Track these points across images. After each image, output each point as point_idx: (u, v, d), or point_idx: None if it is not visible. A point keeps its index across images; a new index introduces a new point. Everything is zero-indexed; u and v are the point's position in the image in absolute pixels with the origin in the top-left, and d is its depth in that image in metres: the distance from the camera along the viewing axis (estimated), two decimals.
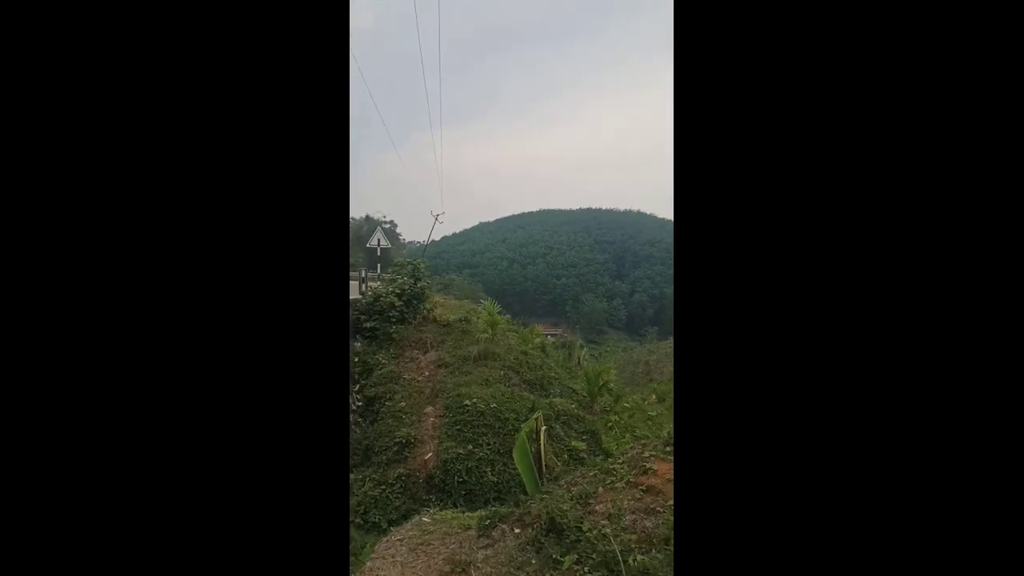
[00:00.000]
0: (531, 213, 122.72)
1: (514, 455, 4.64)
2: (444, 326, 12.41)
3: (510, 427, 7.98)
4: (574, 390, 11.47)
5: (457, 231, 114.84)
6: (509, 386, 9.61)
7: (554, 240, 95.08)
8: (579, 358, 17.11)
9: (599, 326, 64.63)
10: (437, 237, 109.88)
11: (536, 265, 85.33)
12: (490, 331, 12.17)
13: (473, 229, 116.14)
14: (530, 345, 13.45)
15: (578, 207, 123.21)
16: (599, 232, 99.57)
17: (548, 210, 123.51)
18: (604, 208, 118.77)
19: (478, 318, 13.24)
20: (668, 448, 3.79)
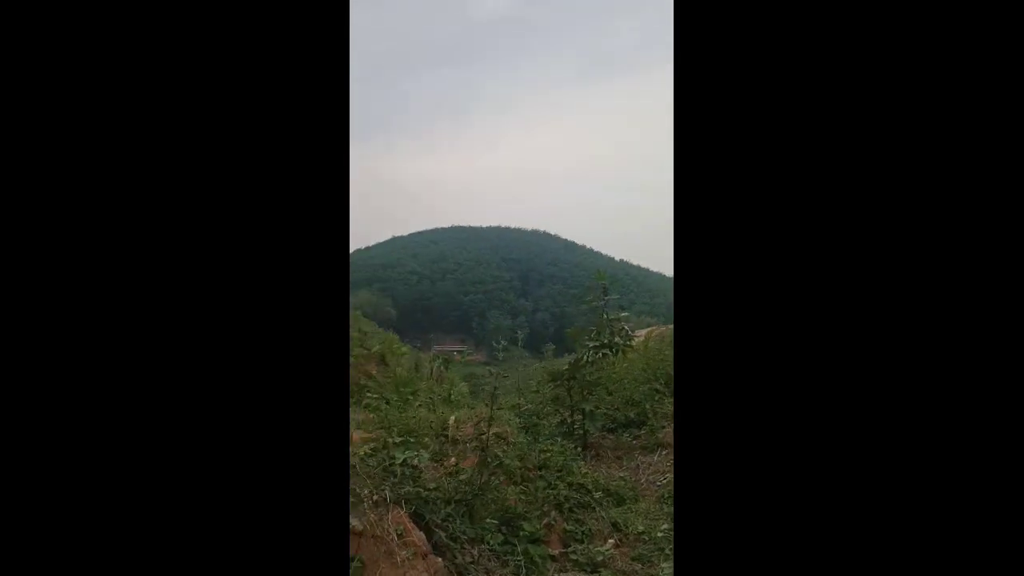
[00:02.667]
0: (443, 229, 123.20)
1: None
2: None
3: None
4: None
5: (370, 244, 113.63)
6: None
7: (464, 257, 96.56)
8: (432, 370, 18.01)
9: (502, 344, 66.81)
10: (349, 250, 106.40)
11: (446, 281, 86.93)
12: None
13: (386, 243, 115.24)
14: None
15: (487, 225, 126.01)
16: (506, 250, 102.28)
17: (460, 226, 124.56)
18: (512, 227, 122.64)
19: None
20: None
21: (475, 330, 73.80)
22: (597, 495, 3.87)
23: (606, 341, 6.78)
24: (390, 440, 3.16)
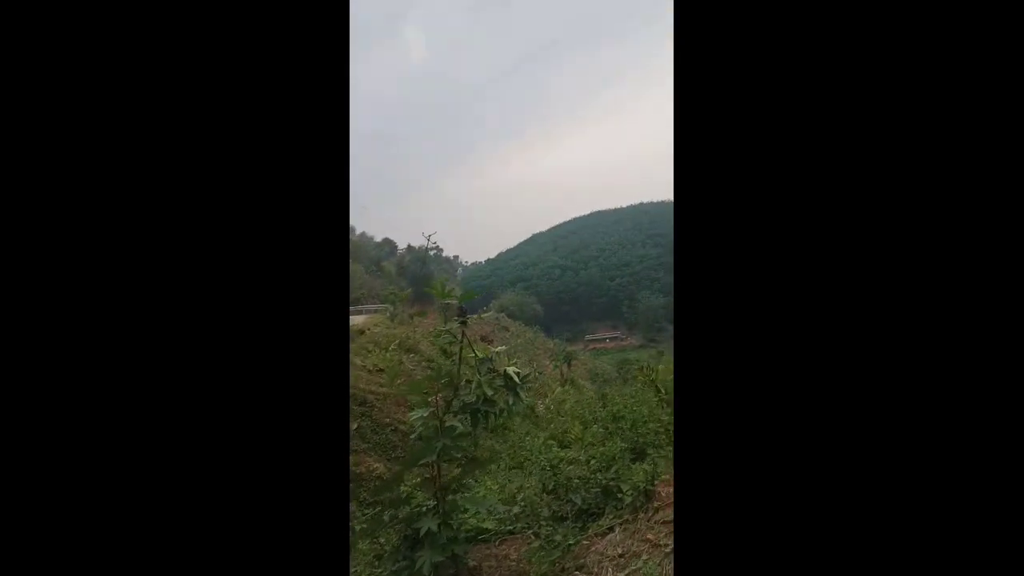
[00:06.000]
0: (582, 217, 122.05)
1: None
2: None
3: None
4: None
5: (512, 245, 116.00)
6: None
7: (605, 242, 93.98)
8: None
9: (658, 323, 62.85)
10: (493, 254, 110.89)
11: (589, 269, 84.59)
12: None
13: (527, 241, 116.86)
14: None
15: (628, 204, 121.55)
16: (651, 227, 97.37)
17: (599, 211, 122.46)
18: (655, 201, 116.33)
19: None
20: None
21: (626, 314, 69.95)
22: None
23: None
24: None
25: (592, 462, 4.58)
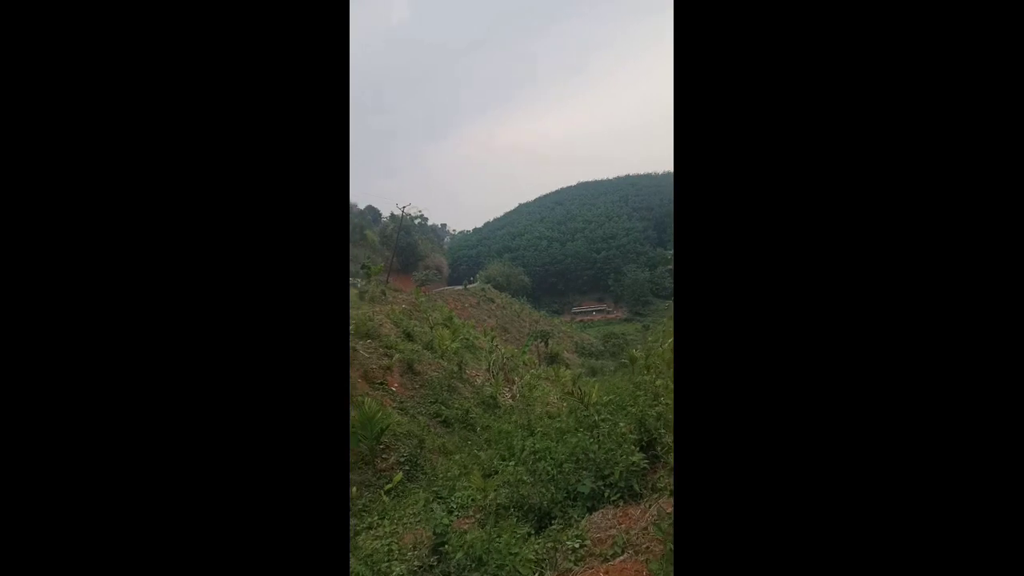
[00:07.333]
0: (568, 188, 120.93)
1: None
2: None
3: None
4: None
5: (499, 215, 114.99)
6: None
7: (592, 213, 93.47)
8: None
9: (643, 297, 63.25)
10: (480, 224, 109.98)
11: (576, 241, 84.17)
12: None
13: (513, 212, 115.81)
14: None
15: (615, 176, 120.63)
16: (637, 200, 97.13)
17: (585, 183, 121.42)
18: (641, 174, 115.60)
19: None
20: None
21: (612, 287, 70.11)
22: None
23: None
24: None
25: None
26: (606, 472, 4.16)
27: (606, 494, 4.01)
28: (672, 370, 5.37)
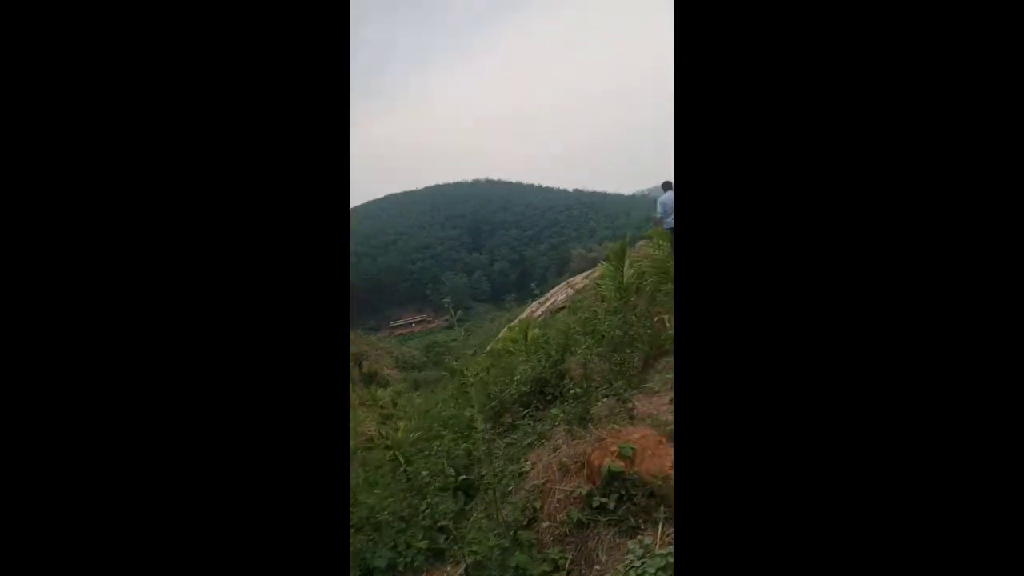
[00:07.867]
0: (375, 201, 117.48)
1: None
2: None
3: None
4: None
5: None
6: None
7: (404, 225, 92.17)
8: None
9: (464, 302, 63.65)
10: None
11: (388, 254, 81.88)
12: None
13: None
14: None
15: (423, 186, 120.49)
16: (448, 208, 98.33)
17: (393, 194, 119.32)
18: (451, 182, 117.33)
19: None
20: None
21: (430, 297, 69.35)
22: None
23: None
24: None
25: None
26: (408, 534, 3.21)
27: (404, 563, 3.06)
28: (488, 383, 5.12)
